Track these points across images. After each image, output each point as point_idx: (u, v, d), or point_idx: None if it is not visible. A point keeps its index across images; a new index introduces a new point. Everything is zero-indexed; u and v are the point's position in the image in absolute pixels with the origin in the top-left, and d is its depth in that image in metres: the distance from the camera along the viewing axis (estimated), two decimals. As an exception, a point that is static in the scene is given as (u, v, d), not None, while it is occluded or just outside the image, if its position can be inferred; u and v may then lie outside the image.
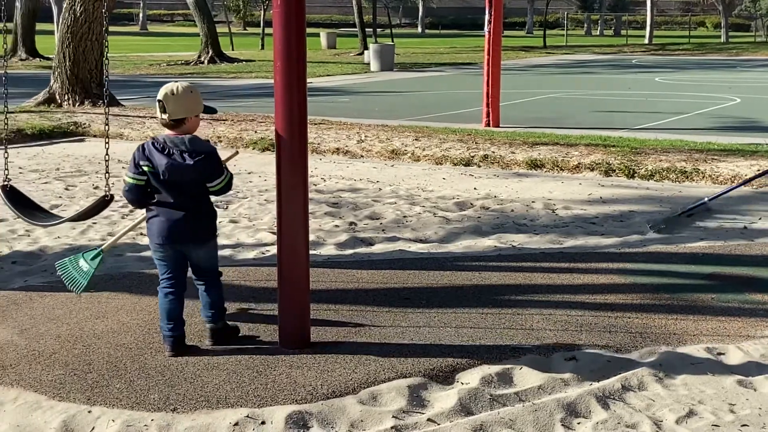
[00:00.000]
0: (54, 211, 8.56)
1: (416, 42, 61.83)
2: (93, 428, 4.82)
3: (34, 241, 8.86)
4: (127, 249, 8.55)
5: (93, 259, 6.13)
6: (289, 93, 5.67)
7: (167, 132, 5.72)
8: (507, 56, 35.64)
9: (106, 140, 6.52)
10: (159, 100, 5.66)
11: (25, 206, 7.11)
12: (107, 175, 6.60)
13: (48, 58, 37.56)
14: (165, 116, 5.64)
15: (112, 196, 6.46)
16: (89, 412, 4.96)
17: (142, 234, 9.16)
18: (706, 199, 10.14)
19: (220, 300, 5.96)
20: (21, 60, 39.07)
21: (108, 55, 6.57)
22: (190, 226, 5.74)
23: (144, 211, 5.86)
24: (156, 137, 5.71)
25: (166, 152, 5.62)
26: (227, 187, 5.78)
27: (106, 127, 6.60)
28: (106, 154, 6.60)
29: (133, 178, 5.63)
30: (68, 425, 4.84)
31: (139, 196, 5.67)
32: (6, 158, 7.43)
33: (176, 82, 5.74)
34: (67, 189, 11.46)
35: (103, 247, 6.22)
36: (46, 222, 7.02)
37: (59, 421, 4.86)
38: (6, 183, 7.16)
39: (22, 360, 5.62)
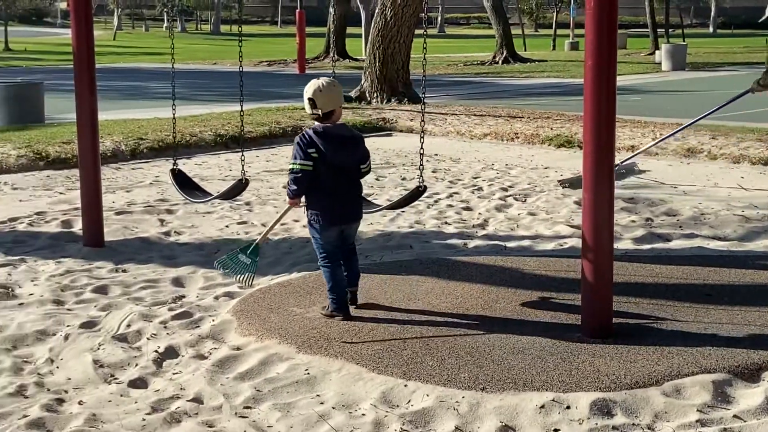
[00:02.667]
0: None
1: (707, 42, 59.81)
2: (409, 401, 5.13)
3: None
4: (434, 236, 8.93)
5: (251, 252, 6.62)
6: (599, 91, 5.88)
7: (317, 124, 6.20)
8: (807, 54, 33.92)
9: (422, 135, 6.98)
10: (309, 98, 6.10)
11: None
12: (421, 167, 7.03)
13: (355, 59, 39.42)
14: (317, 111, 6.11)
15: (425, 187, 6.90)
16: (405, 386, 5.27)
17: (446, 222, 9.56)
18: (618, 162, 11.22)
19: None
20: (333, 60, 41.03)
21: (426, 56, 7.01)
22: (358, 205, 6.40)
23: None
24: (313, 128, 6.18)
25: (330, 139, 6.10)
26: (370, 168, 6.39)
27: (422, 123, 7.02)
28: (421, 147, 7.02)
29: (302, 164, 6.10)
30: (387, 396, 5.17)
31: (308, 181, 6.14)
32: None
33: (318, 78, 6.18)
34: (377, 180, 12.02)
35: (257, 241, 6.73)
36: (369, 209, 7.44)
37: (379, 392, 5.20)
38: None
39: (344, 334, 6.04)
